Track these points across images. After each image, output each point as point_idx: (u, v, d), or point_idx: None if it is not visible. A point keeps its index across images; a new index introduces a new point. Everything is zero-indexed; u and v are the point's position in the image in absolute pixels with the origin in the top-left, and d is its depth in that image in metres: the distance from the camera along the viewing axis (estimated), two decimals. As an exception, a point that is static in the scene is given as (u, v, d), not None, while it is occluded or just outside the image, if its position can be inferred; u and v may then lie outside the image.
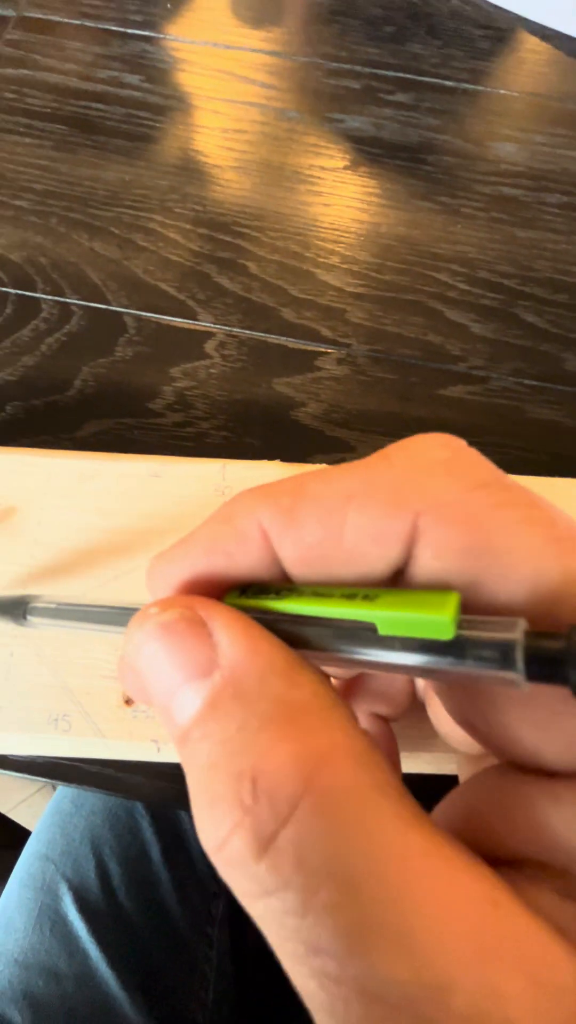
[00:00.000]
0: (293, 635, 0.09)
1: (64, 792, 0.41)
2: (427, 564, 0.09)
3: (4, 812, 0.82)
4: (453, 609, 0.08)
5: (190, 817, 0.37)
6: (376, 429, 0.29)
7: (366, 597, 0.09)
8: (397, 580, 0.10)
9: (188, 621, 0.09)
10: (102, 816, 0.37)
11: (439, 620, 0.08)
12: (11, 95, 0.36)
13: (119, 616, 0.12)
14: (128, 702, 0.18)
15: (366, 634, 0.09)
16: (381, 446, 0.29)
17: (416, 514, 0.09)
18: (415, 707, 0.17)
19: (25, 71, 0.37)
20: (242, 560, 0.10)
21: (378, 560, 0.09)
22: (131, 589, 0.20)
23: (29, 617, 0.15)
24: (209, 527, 0.10)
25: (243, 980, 0.37)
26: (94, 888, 0.34)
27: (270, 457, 0.27)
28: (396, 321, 0.31)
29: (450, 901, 0.07)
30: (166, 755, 0.18)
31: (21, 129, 0.35)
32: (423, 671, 0.09)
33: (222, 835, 0.08)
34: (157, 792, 0.23)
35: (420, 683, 0.16)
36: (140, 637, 0.09)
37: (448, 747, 0.16)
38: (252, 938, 0.39)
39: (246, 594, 0.10)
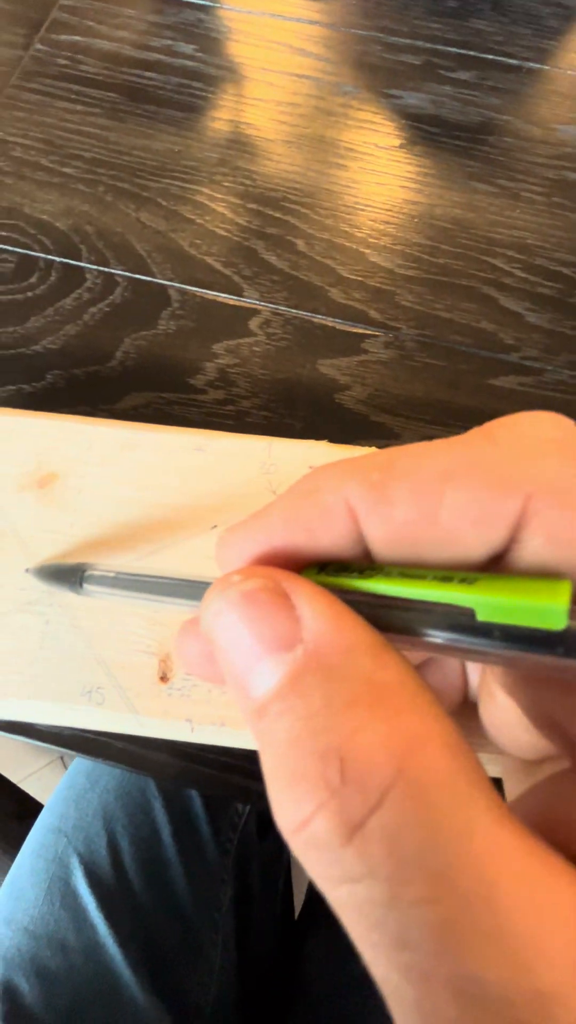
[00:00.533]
0: (376, 616, 0.09)
1: (78, 767, 0.41)
2: (536, 550, 0.08)
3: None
4: (566, 597, 0.07)
5: (208, 800, 0.37)
6: (422, 416, 0.28)
7: (464, 580, 0.08)
8: (491, 565, 0.09)
9: (271, 592, 0.09)
10: (115, 794, 0.37)
11: (551, 608, 0.07)
12: (64, 61, 0.36)
13: (182, 588, 0.12)
14: (164, 679, 0.18)
15: (462, 619, 0.08)
16: (427, 435, 0.27)
17: (527, 496, 0.08)
18: (464, 706, 0.16)
19: (78, 37, 0.37)
20: (324, 536, 0.09)
21: (476, 543, 0.08)
22: (170, 563, 0.19)
23: (85, 585, 0.14)
24: (290, 500, 0.10)
25: (245, 969, 0.37)
26: (105, 864, 0.34)
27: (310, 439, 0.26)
28: (447, 306, 0.30)
29: (550, 906, 0.07)
30: (200, 736, 0.17)
31: (72, 96, 0.35)
32: (521, 662, 0.08)
33: (303, 815, 0.07)
34: (181, 772, 0.22)
35: (474, 679, 0.15)
36: (219, 605, 0.09)
37: (496, 749, 0.16)
38: (257, 929, 0.39)
39: (325, 571, 0.09)
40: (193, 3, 0.38)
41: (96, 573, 0.15)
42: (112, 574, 0.15)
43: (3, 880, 0.45)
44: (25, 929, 0.32)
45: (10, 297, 0.29)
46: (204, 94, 0.35)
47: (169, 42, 0.36)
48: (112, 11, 0.37)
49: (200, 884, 0.35)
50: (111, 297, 0.30)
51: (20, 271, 0.30)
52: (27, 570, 0.19)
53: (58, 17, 0.37)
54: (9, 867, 0.46)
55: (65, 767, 0.97)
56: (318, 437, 0.25)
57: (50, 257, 0.30)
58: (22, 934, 0.32)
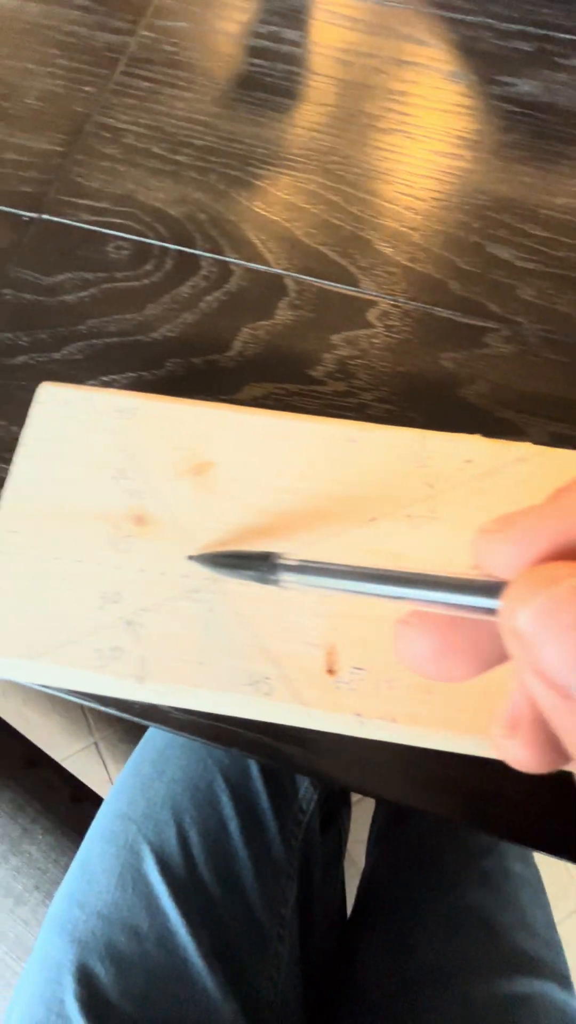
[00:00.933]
0: None
1: (143, 755, 0.41)
2: None
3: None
4: None
5: (273, 795, 0.37)
6: (548, 414, 0.27)
7: None
8: None
9: None
10: (182, 785, 0.37)
11: None
12: (170, 48, 0.36)
13: (433, 582, 0.11)
14: (331, 671, 0.18)
15: None
16: (554, 432, 0.26)
17: None
18: None
19: (184, 23, 0.36)
20: None
21: None
22: (331, 555, 0.19)
23: (281, 573, 0.14)
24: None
25: (307, 966, 0.37)
26: (175, 854, 0.34)
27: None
28: (570, 301, 0.29)
29: None
30: (368, 730, 0.17)
31: (181, 83, 0.34)
32: None
33: None
34: (312, 766, 0.22)
35: None
36: (543, 602, 0.09)
37: None
38: (318, 926, 0.39)
39: None
40: (296, -11, 0.37)
41: (286, 562, 0.15)
42: (297, 562, 0.14)
43: (67, 861, 0.45)
44: (99, 913, 0.32)
45: (127, 284, 0.30)
46: (311, 81, 0.35)
47: (276, 28, 0.36)
48: (216, -3, 0.37)
49: (267, 879, 0.35)
50: (227, 286, 0.29)
51: (136, 258, 0.30)
52: (191, 557, 0.19)
53: (163, 4, 0.37)
54: (68, 846, 0.46)
55: (100, 753, 0.99)
56: (443, 431, 0.24)
57: (165, 244, 0.30)
58: (96, 918, 0.32)
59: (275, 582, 0.15)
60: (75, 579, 0.19)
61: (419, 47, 0.36)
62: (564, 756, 0.10)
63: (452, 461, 0.20)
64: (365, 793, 0.22)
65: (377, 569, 0.13)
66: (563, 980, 0.35)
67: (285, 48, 0.36)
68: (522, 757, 0.10)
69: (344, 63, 0.35)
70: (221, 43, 0.36)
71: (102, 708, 0.22)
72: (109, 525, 0.19)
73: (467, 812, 0.21)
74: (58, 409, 0.21)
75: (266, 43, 0.36)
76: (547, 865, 0.42)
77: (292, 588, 0.15)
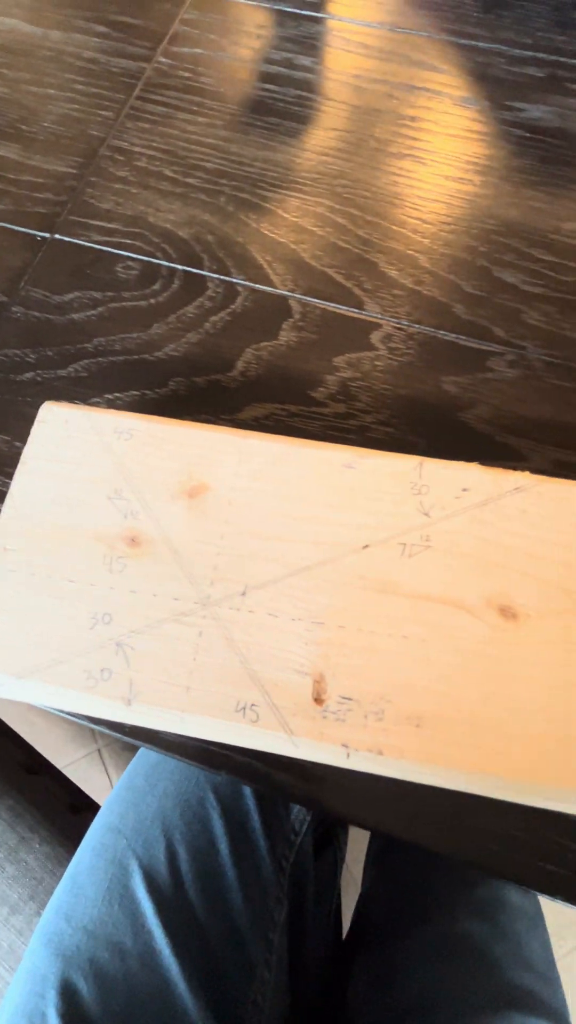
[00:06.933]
0: None
1: (137, 767, 0.41)
2: None
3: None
4: None
5: (264, 815, 0.36)
6: (550, 440, 0.27)
7: None
8: None
9: None
10: (174, 800, 0.37)
11: None
12: (186, 73, 0.36)
13: None
14: (318, 700, 0.17)
15: None
16: (557, 459, 0.26)
17: None
18: None
19: (200, 50, 0.37)
20: None
21: None
22: (322, 582, 0.19)
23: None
24: None
25: (295, 991, 0.36)
26: (163, 870, 0.34)
27: (434, 457, 0.26)
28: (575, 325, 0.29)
29: None
30: (355, 762, 0.17)
31: (194, 108, 0.35)
32: None
33: None
34: (305, 795, 0.22)
35: None
36: None
37: None
38: (308, 951, 0.38)
39: None
40: (311, 16, 0.38)
41: None
42: None
43: (63, 872, 0.45)
44: (84, 928, 0.32)
45: (134, 304, 0.30)
46: (324, 107, 0.35)
47: (289, 55, 0.37)
48: (232, 25, 0.38)
49: (255, 901, 0.34)
50: (232, 306, 0.30)
51: (144, 278, 0.31)
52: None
53: (180, 30, 0.38)
54: (65, 857, 0.46)
55: (103, 759, 0.99)
56: (442, 456, 0.24)
57: (173, 265, 0.31)
58: (81, 933, 0.32)
59: None
60: (67, 599, 0.19)
61: (431, 73, 0.36)
62: None
63: (449, 489, 0.20)
64: (357, 824, 0.22)
65: None
66: (559, 1018, 0.34)
67: (298, 74, 0.36)
68: None
69: (356, 88, 0.36)
70: (236, 69, 0.36)
71: (93, 726, 0.22)
72: (103, 545, 0.19)
73: (461, 848, 0.21)
74: (59, 428, 0.21)
75: (280, 69, 0.36)
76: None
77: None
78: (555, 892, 0.20)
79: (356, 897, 0.46)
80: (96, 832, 0.37)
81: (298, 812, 0.39)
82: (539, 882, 0.20)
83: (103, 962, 0.31)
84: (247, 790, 0.37)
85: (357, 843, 0.56)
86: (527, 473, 0.20)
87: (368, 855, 0.50)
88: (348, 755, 0.17)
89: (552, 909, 0.41)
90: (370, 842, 0.51)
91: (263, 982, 0.33)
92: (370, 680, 0.17)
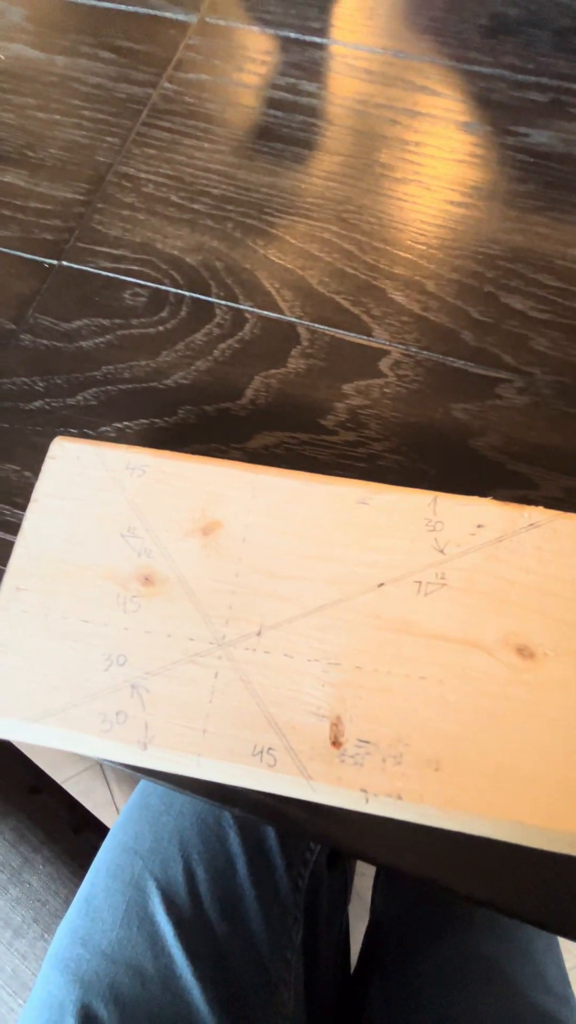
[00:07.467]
0: None
1: (151, 786, 0.41)
2: None
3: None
4: None
5: (282, 834, 0.36)
6: (561, 467, 0.27)
7: None
8: None
9: None
10: (191, 819, 0.37)
11: None
12: (191, 100, 0.37)
13: None
14: (336, 743, 0.17)
15: None
16: (567, 486, 0.26)
17: None
18: None
19: (205, 76, 0.37)
20: None
21: None
22: (338, 621, 0.19)
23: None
24: None
25: (312, 1012, 0.35)
26: (181, 891, 0.33)
27: (445, 486, 0.26)
28: (584, 352, 0.29)
29: None
30: (374, 807, 0.17)
31: (200, 134, 0.35)
32: None
33: None
34: (320, 832, 0.21)
35: None
36: None
37: None
38: (322, 970, 0.38)
39: None
40: (315, 42, 0.38)
41: None
42: None
43: (67, 893, 0.45)
44: (103, 952, 0.32)
45: (142, 331, 0.30)
46: (329, 132, 0.35)
47: (294, 80, 0.37)
48: (237, 51, 0.38)
49: (274, 921, 0.34)
50: (240, 333, 0.30)
51: (152, 305, 0.31)
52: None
53: (185, 56, 0.38)
54: (69, 877, 0.46)
55: (104, 773, 0.98)
56: (453, 484, 0.24)
57: (181, 292, 0.31)
58: (100, 957, 0.32)
59: None
60: (81, 640, 0.19)
61: (434, 98, 0.36)
62: None
63: (463, 525, 0.20)
64: (374, 863, 0.22)
65: None
66: (579, 1039, 0.33)
67: (303, 100, 0.36)
68: None
69: (360, 114, 0.36)
70: (241, 95, 0.37)
71: (103, 760, 0.22)
72: (117, 585, 0.19)
73: (480, 889, 0.20)
74: (70, 465, 0.21)
75: (284, 95, 0.37)
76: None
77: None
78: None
79: (361, 911, 0.46)
80: (110, 853, 0.37)
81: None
82: (563, 926, 0.20)
83: (123, 987, 0.30)
84: None
85: (364, 862, 0.55)
86: (541, 508, 0.20)
87: (378, 872, 0.50)
88: (367, 800, 0.17)
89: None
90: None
91: (283, 1003, 0.32)
92: (388, 722, 0.17)
